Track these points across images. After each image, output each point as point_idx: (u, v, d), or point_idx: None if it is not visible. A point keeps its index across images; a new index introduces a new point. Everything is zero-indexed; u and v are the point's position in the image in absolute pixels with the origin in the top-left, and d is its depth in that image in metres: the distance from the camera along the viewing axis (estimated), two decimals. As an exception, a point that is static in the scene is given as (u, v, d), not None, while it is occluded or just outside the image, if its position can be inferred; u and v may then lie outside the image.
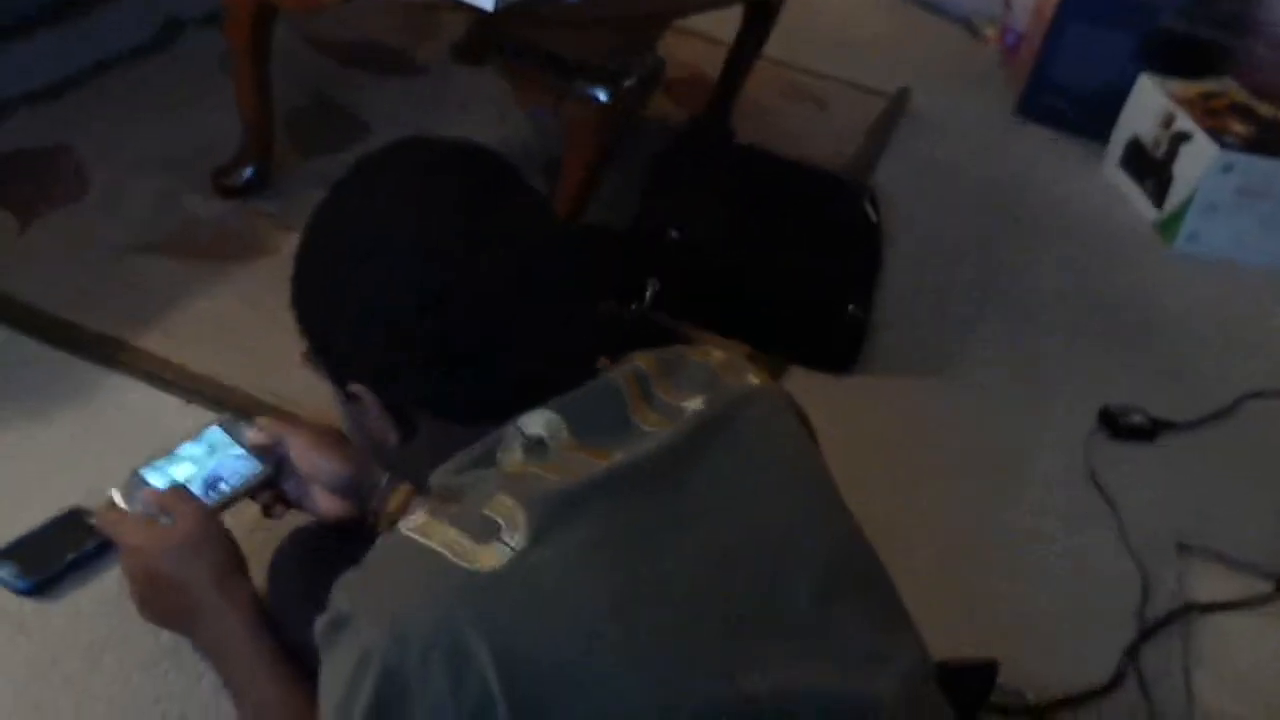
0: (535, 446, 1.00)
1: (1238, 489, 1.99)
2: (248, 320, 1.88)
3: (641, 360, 1.09)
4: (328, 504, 1.39)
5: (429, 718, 0.89)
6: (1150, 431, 2.04)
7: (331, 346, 1.10)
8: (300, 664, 1.17)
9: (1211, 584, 1.80)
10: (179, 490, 1.33)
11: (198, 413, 1.71)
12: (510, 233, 1.04)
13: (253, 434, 1.41)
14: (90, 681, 1.38)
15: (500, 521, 0.92)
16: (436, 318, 1.01)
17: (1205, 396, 2.15)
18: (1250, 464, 2.05)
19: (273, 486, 1.41)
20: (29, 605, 1.43)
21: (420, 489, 1.08)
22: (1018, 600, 1.73)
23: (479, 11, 1.71)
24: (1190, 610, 1.74)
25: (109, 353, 1.80)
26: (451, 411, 1.05)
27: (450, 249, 1.01)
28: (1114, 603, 1.74)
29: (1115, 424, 2.03)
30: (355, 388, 1.07)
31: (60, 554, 1.45)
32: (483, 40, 2.54)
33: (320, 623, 0.96)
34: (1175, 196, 2.60)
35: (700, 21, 2.67)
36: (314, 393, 1.11)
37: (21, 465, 1.61)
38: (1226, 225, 2.56)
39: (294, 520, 1.42)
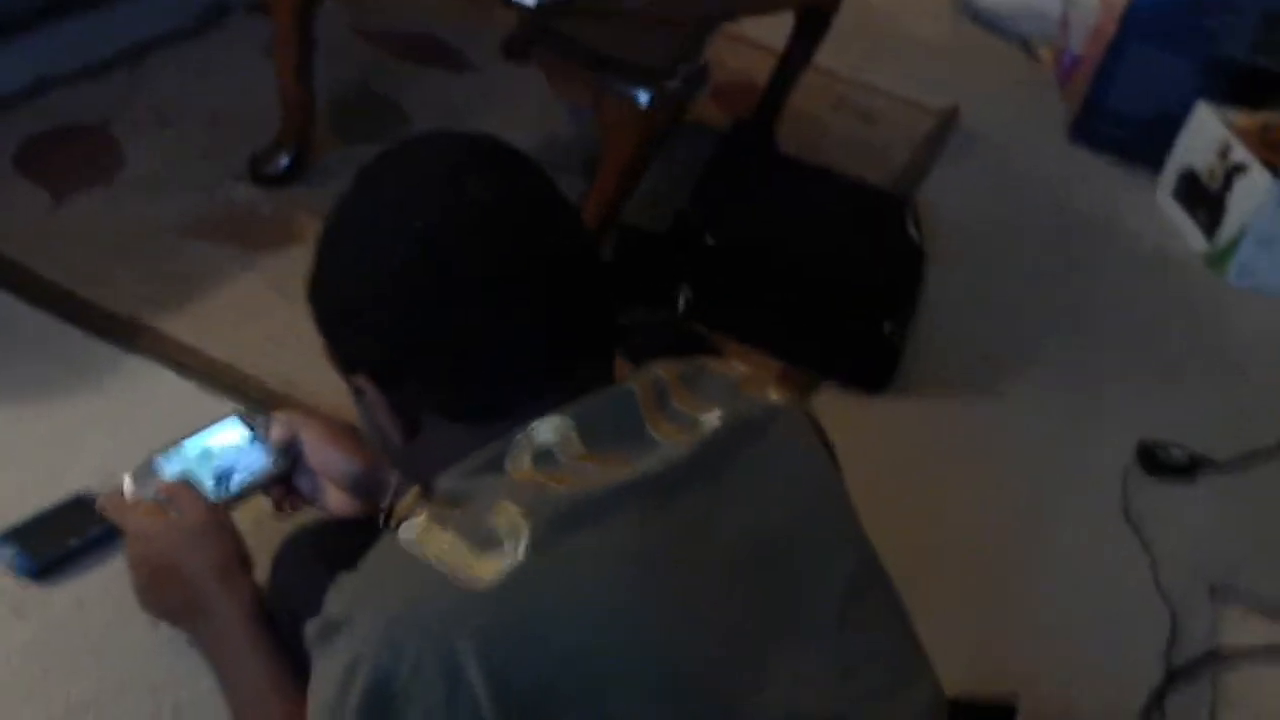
0: (544, 454, 0.97)
1: (1276, 533, 1.94)
2: (275, 308, 1.86)
3: (661, 370, 1.06)
4: (339, 502, 1.38)
5: None
6: (1189, 469, 1.99)
7: (337, 337, 1.07)
8: (297, 663, 1.15)
9: (1244, 630, 1.76)
10: (188, 481, 1.32)
11: (215, 401, 1.69)
12: (526, 232, 1.01)
13: (270, 428, 1.39)
14: (86, 668, 1.36)
15: (502, 532, 0.89)
16: (437, 312, 0.99)
17: (1250, 434, 2.09)
18: (1291, 507, 1.99)
19: (286, 482, 1.40)
20: (31, 589, 1.41)
21: (428, 489, 1.05)
22: (1041, 635, 1.69)
23: (521, 7, 1.67)
24: (1219, 657, 1.70)
25: (130, 334, 1.78)
26: (454, 410, 1.02)
27: (457, 245, 0.98)
28: (1142, 644, 1.70)
29: (1153, 460, 1.98)
30: (360, 382, 1.04)
31: (64, 538, 1.44)
32: (530, 36, 2.52)
33: (312, 626, 0.94)
34: (1228, 229, 2.54)
35: (752, 29, 2.64)
36: (336, 387, 1.09)
37: (32, 445, 1.60)
38: (1280, 260, 2.51)
39: (305, 516, 1.41)
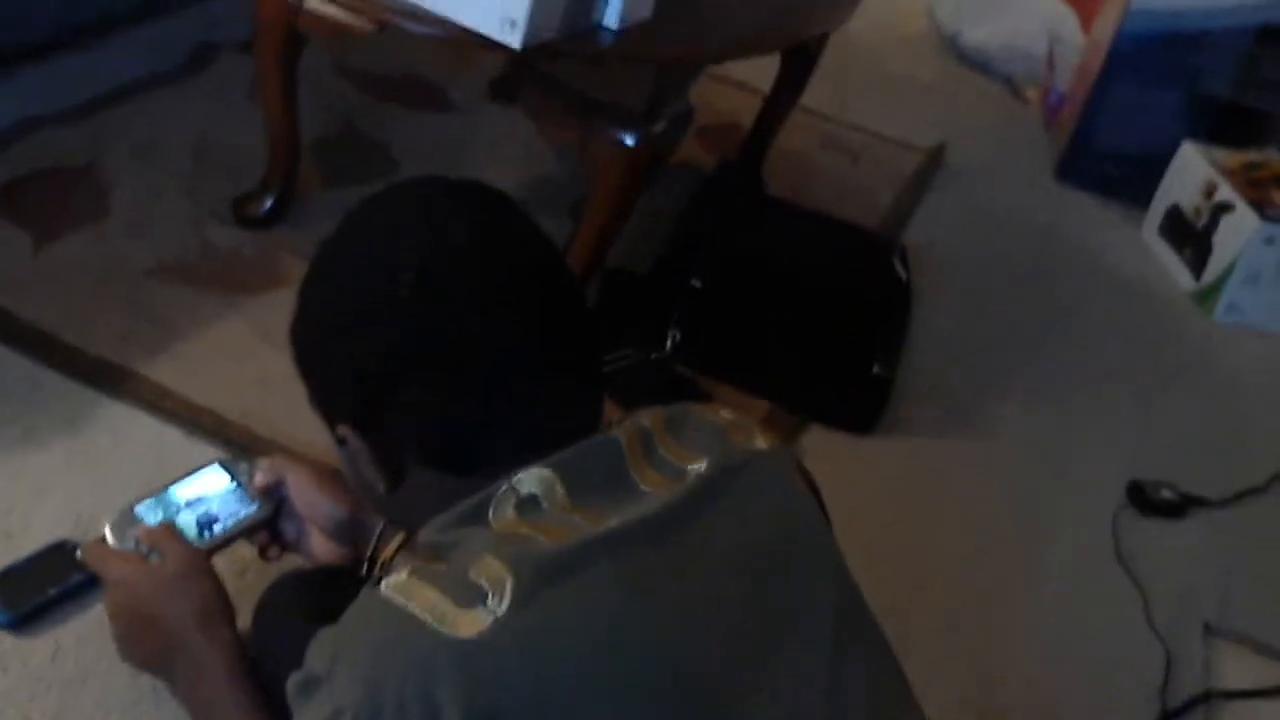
0: (528, 505, 0.96)
1: (1269, 570, 1.93)
2: (258, 352, 1.85)
3: (646, 418, 1.05)
4: (323, 548, 1.37)
5: None
6: (1180, 508, 1.98)
7: (319, 380, 1.07)
8: (277, 713, 1.13)
9: (1238, 669, 1.74)
10: (169, 527, 1.30)
11: (199, 447, 1.67)
12: (509, 275, 1.01)
13: (254, 474, 1.38)
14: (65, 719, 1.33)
15: (485, 586, 0.88)
16: (419, 367, 0.98)
17: (1240, 472, 2.09)
18: (1282, 545, 1.99)
19: (270, 528, 1.38)
20: (8, 640, 1.39)
21: (412, 539, 1.04)
22: (1035, 676, 1.67)
23: (507, 50, 1.67)
24: (1213, 697, 1.68)
25: (112, 379, 1.76)
26: (437, 456, 1.01)
27: (442, 288, 0.98)
28: (1136, 684, 1.69)
29: (1144, 499, 1.97)
30: (343, 430, 1.03)
31: (43, 587, 1.41)
32: (517, 78, 2.53)
33: (293, 681, 0.93)
34: (1215, 267, 2.54)
35: (738, 70, 2.65)
36: (321, 431, 1.08)
37: (11, 492, 1.57)
38: (1268, 297, 2.51)
39: (289, 563, 1.39)
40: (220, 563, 1.30)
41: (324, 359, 1.06)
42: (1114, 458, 2.08)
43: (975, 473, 2.01)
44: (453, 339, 0.98)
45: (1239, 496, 2.04)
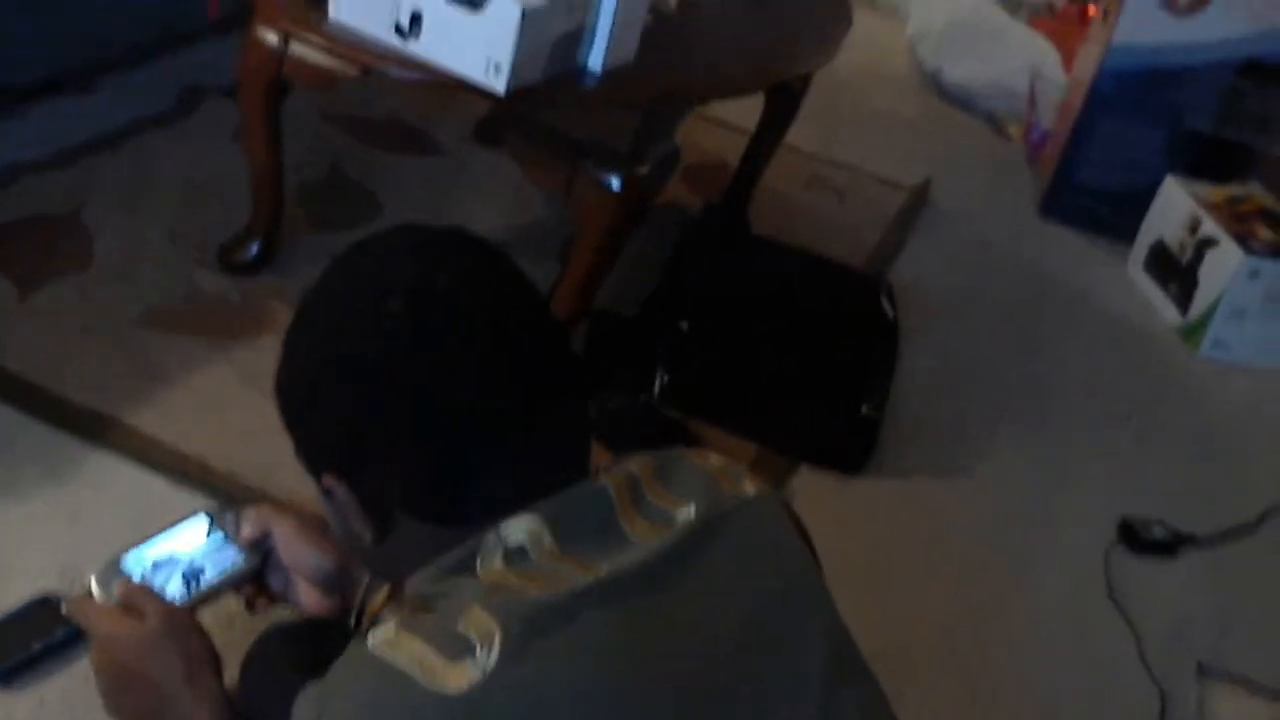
0: (517, 554, 0.95)
1: (1261, 608, 1.93)
2: (246, 400, 1.84)
3: (635, 465, 1.05)
4: (311, 599, 1.36)
5: None
6: (1171, 546, 1.98)
7: (305, 429, 1.06)
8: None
9: (1233, 709, 1.74)
10: (146, 584, 1.29)
11: (185, 497, 1.66)
12: (493, 324, 1.00)
13: (240, 525, 1.37)
14: (51, 777, 1.32)
15: (474, 639, 0.87)
16: (405, 413, 0.97)
17: (1230, 509, 2.09)
18: (1275, 582, 1.98)
19: (257, 579, 1.37)
20: (-10, 694, 1.38)
21: (398, 589, 1.03)
22: (1029, 715, 1.66)
23: (491, 95, 1.68)
24: (1209, 737, 1.68)
25: (97, 429, 1.75)
26: (425, 510, 1.01)
27: (426, 338, 0.98)
28: (1130, 724, 1.68)
29: (1135, 537, 1.97)
30: (329, 481, 1.03)
31: (28, 641, 1.40)
32: (502, 121, 2.53)
33: (280, 738, 0.91)
34: (1200, 302, 2.55)
35: (723, 109, 2.65)
36: (308, 480, 1.07)
37: (-5, 544, 1.56)
38: (1254, 332, 2.52)
39: (276, 615, 1.38)
40: (207, 615, 1.29)
41: (310, 397, 1.05)
42: (1103, 495, 2.08)
43: (965, 511, 2.01)
44: (437, 380, 0.97)
45: (1230, 534, 2.04)
